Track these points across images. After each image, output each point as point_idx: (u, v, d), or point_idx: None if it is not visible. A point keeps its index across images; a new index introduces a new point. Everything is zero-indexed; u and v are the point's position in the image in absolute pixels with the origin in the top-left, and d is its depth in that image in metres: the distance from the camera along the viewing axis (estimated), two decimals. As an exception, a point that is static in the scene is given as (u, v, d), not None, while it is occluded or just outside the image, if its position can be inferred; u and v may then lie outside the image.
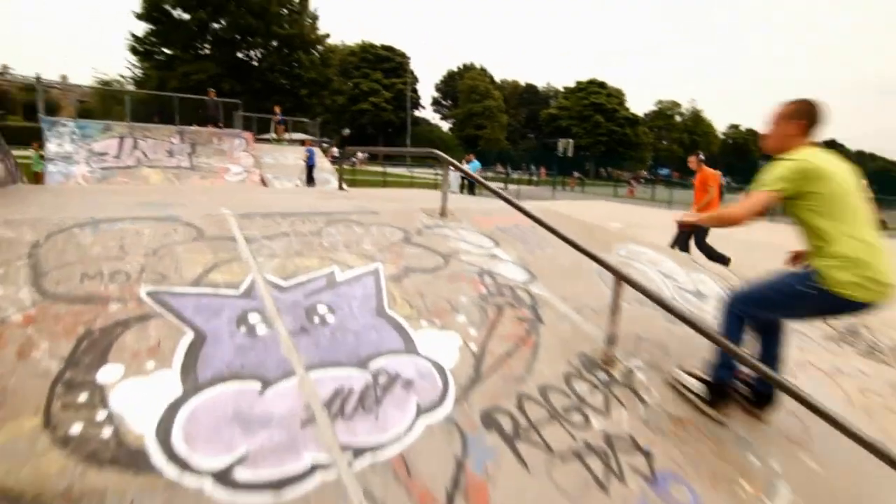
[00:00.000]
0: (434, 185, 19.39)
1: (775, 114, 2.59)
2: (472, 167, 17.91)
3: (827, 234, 2.34)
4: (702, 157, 7.80)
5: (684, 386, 2.73)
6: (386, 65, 62.12)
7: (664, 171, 49.35)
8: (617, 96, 67.79)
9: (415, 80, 65.90)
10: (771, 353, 2.74)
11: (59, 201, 4.42)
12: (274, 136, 19.89)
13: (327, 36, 51.51)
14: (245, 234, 3.29)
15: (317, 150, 17.67)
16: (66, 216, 3.14)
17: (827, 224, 2.34)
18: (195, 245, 3.05)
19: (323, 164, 16.99)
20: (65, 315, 2.27)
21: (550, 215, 4.79)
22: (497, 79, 76.94)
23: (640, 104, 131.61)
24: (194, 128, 14.71)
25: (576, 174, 41.44)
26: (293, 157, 16.38)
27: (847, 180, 2.43)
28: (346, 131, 50.59)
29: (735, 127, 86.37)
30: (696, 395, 2.67)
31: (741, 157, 66.07)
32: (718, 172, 7.82)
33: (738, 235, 7.25)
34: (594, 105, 65.42)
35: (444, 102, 79.41)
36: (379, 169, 41.49)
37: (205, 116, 15.80)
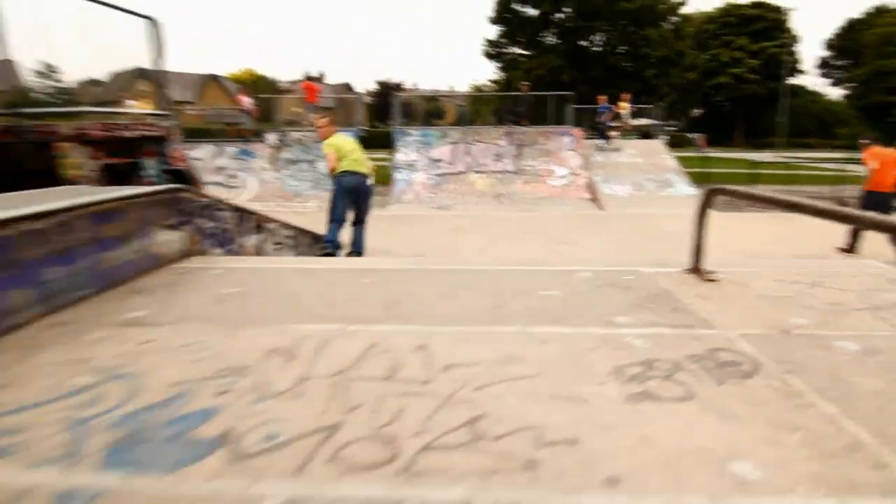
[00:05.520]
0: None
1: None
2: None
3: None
4: None
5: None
6: (754, 26, 50.96)
7: None
8: None
9: (793, 39, 52.01)
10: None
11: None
12: (612, 136, 14.76)
13: (682, 3, 45.22)
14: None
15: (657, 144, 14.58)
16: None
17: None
18: None
19: (663, 158, 13.68)
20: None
21: None
22: (933, 18, 53.97)
23: None
24: (522, 128, 13.82)
25: None
26: (630, 153, 13.81)
27: None
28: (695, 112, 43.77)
29: None
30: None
31: None
32: None
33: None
34: None
35: (837, 63, 61.07)
36: (728, 156, 33.95)
37: (517, 113, 14.75)
